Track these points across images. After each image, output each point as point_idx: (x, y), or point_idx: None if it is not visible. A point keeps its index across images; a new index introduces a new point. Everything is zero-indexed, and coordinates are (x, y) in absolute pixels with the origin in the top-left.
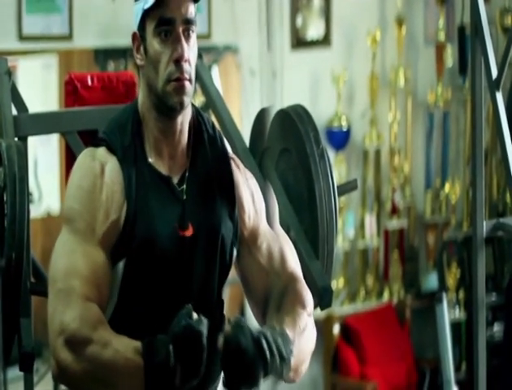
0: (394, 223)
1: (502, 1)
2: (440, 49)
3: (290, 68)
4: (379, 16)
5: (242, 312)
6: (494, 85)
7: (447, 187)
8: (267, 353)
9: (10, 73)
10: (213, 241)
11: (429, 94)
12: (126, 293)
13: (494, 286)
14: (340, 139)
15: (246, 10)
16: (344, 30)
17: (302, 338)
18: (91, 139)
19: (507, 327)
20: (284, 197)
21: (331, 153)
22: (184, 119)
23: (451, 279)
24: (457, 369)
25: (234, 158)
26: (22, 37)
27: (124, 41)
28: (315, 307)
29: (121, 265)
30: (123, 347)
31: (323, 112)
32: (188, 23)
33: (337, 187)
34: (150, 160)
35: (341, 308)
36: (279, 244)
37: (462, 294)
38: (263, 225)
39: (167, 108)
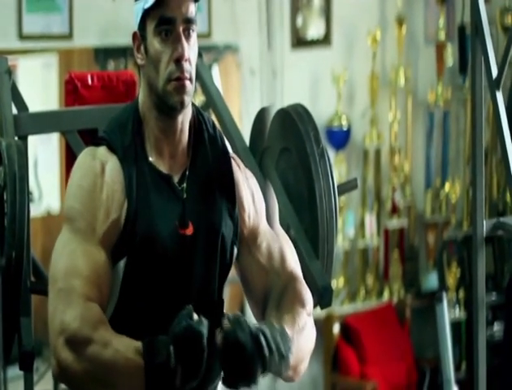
0: (394, 223)
1: (502, 0)
2: (440, 49)
3: (290, 68)
4: (379, 16)
5: (242, 311)
6: (494, 85)
7: (447, 186)
8: (266, 349)
9: (10, 72)
10: (213, 240)
11: (429, 94)
12: (127, 292)
13: (494, 285)
14: (341, 138)
15: (246, 9)
16: (344, 29)
17: (301, 337)
18: (91, 138)
19: (507, 326)
20: (284, 197)
21: (331, 152)
22: (185, 119)
23: (451, 279)
24: (457, 368)
25: (234, 157)
26: (22, 36)
27: (124, 40)
28: (315, 306)
29: (122, 264)
30: (124, 347)
31: (323, 111)
32: (188, 22)
33: (337, 186)
34: (151, 159)
35: (341, 307)
36: (278, 244)
37: (462, 293)
38: (263, 224)
39: (168, 107)
